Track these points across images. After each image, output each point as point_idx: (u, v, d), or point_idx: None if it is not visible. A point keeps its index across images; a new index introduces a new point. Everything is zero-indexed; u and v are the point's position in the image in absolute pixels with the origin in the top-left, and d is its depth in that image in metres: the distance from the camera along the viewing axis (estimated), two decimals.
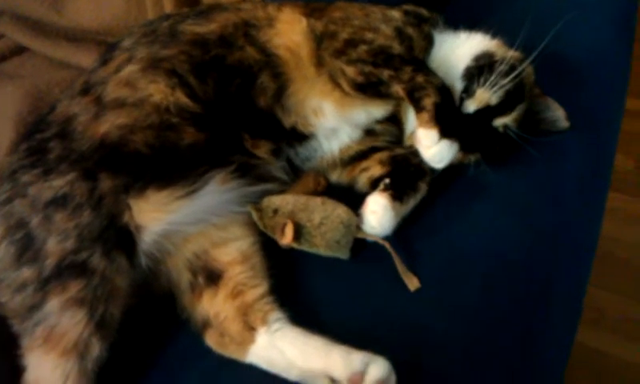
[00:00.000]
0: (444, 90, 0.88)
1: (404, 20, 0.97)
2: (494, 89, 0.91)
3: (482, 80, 0.92)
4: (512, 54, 0.96)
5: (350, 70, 0.91)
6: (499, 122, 0.93)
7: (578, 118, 0.99)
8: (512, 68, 0.92)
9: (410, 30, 0.95)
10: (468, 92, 0.92)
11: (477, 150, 0.94)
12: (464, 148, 0.91)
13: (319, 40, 0.93)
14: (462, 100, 0.93)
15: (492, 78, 0.91)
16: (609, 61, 1.17)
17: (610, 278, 1.63)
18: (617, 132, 1.16)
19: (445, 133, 0.86)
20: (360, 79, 0.91)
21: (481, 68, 0.93)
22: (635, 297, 1.66)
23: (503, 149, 0.94)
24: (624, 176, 1.78)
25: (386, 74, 0.89)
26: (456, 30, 1.02)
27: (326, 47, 0.93)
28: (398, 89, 0.89)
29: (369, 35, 0.93)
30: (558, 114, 0.98)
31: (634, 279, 1.70)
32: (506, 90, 0.91)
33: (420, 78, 0.88)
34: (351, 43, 0.92)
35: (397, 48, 0.92)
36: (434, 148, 0.87)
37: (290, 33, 0.94)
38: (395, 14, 0.98)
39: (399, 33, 0.94)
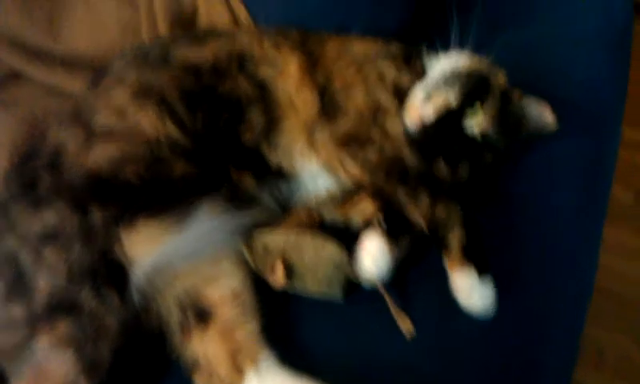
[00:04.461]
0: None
1: (396, 74, 0.96)
2: (448, 86, 0.88)
3: (436, 83, 0.90)
4: (477, 60, 0.94)
5: (356, 171, 0.92)
6: (471, 126, 0.87)
7: (572, 148, 0.98)
8: (471, 69, 0.91)
9: (405, 80, 0.95)
10: (424, 97, 0.88)
11: (458, 159, 0.90)
12: (446, 160, 0.89)
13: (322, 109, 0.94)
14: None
15: (446, 78, 0.89)
16: (604, 89, 1.16)
17: (610, 317, 1.57)
18: (613, 163, 1.14)
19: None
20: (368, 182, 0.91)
21: (441, 76, 0.91)
22: (635, 336, 1.59)
23: (493, 162, 0.92)
24: (623, 209, 1.75)
25: (402, 192, 0.88)
26: (437, 53, 0.99)
27: (322, 129, 0.93)
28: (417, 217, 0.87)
29: (375, 135, 0.92)
30: (540, 111, 0.92)
31: (636, 318, 1.62)
32: (462, 83, 0.88)
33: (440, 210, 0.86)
34: (354, 140, 0.92)
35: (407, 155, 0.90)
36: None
37: (294, 88, 0.94)
38: (389, 69, 0.97)
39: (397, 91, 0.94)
